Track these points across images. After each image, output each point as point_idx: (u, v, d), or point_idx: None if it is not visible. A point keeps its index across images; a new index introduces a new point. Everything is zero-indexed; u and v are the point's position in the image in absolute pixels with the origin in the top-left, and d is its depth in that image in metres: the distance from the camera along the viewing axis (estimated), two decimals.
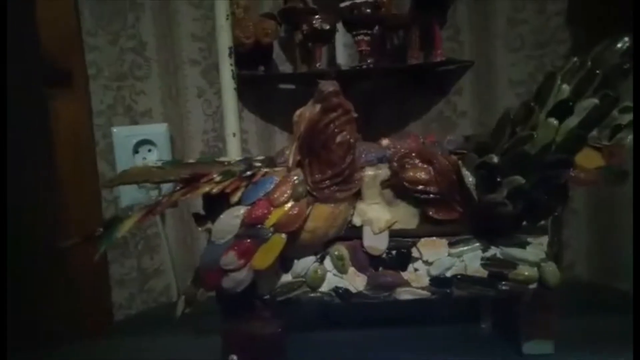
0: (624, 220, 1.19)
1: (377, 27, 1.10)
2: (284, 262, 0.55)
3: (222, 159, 0.59)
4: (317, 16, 1.05)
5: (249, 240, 0.49)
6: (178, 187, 0.52)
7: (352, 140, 0.49)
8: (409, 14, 1.08)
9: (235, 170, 0.52)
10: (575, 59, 0.43)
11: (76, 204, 1.13)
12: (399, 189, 0.53)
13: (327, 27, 1.04)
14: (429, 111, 1.23)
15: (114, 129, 1.23)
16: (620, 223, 1.19)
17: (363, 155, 0.55)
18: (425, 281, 0.55)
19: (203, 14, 1.20)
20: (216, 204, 0.51)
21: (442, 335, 0.64)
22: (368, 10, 1.03)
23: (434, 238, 0.55)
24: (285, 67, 1.20)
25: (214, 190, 0.49)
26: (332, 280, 0.56)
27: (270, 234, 0.49)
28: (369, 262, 0.55)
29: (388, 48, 1.20)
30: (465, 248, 0.54)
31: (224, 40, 1.14)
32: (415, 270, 0.55)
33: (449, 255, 0.55)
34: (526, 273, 0.54)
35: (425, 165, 0.52)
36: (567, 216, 1.20)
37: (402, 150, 0.53)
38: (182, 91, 1.26)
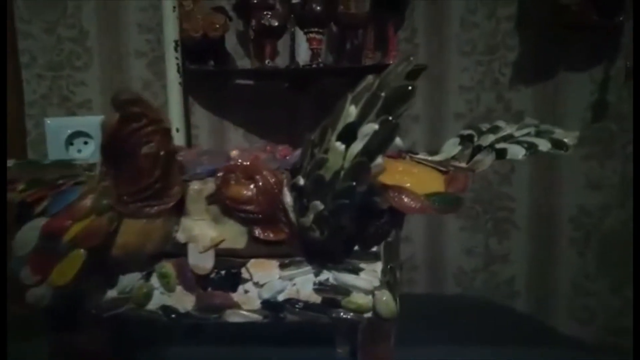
0: (564, 233, 1.15)
1: (334, 26, 1.08)
2: (109, 277, 0.52)
3: (79, 161, 0.55)
4: (266, 12, 1.01)
5: (46, 255, 0.46)
6: None
7: (161, 152, 0.45)
8: (366, 13, 1.04)
9: (45, 179, 0.49)
10: (369, 77, 0.38)
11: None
12: (224, 205, 0.49)
13: (276, 23, 1.01)
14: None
15: (47, 120, 1.20)
16: (560, 236, 1.16)
17: (196, 168, 0.51)
18: (257, 304, 0.52)
19: (151, 4, 1.16)
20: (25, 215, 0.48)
21: (298, 358, 0.61)
22: (319, 8, 0.99)
23: (264, 259, 0.51)
24: (244, 63, 1.16)
25: (15, 200, 0.46)
26: (158, 298, 0.53)
27: (68, 249, 0.45)
28: (197, 282, 0.52)
29: (347, 48, 1.16)
30: (297, 271, 0.51)
31: (170, 32, 1.12)
32: (246, 292, 0.52)
33: (280, 277, 0.51)
34: (359, 301, 0.50)
35: (248, 182, 0.48)
36: (506, 228, 1.17)
37: (234, 163, 0.49)
38: (125, 83, 1.23)
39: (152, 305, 0.53)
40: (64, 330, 0.54)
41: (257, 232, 0.49)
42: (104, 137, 0.44)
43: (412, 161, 0.53)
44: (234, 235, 0.51)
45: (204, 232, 0.50)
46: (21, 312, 0.48)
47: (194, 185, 0.50)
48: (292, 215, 0.46)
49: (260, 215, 0.48)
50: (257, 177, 0.47)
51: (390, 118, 0.36)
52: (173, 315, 0.53)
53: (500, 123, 0.56)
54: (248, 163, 0.48)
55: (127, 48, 1.22)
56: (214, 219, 0.51)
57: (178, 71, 1.13)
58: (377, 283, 0.50)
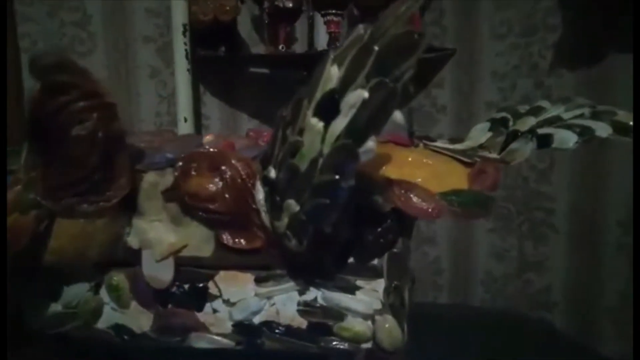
0: (610, 237, 1.01)
1: (354, 8, 0.99)
2: (51, 287, 0.43)
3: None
4: None
5: None
6: None
7: (99, 134, 0.35)
8: None
9: None
10: (359, 26, 0.27)
11: None
12: (184, 203, 0.39)
13: (290, 4, 0.95)
14: (407, 103, 1.10)
15: None
16: (606, 241, 1.02)
17: (154, 156, 0.41)
18: (228, 327, 0.42)
19: None
20: None
21: None
22: None
23: (236, 271, 0.41)
24: (258, 49, 1.09)
25: None
26: (110, 315, 0.43)
27: None
28: (155, 297, 0.42)
29: None
30: (276, 287, 0.40)
31: (178, 16, 1.06)
32: (215, 311, 0.42)
33: (256, 295, 0.41)
34: (356, 328, 0.40)
35: (212, 174, 0.37)
36: (542, 231, 1.04)
37: (196, 150, 0.39)
38: (132, 70, 1.17)
39: (103, 323, 0.43)
40: (10, 347, 0.45)
41: (225, 237, 0.39)
42: (28, 112, 0.34)
43: (427, 149, 0.41)
44: (198, 241, 0.40)
45: (160, 236, 0.40)
46: None
47: (149, 178, 0.40)
48: (264, 217, 0.35)
49: (227, 216, 0.37)
50: (224, 167, 0.37)
51: (387, 81, 0.25)
52: (126, 337, 0.43)
53: (544, 103, 0.44)
54: (215, 150, 0.38)
55: (134, 33, 1.16)
56: (173, 220, 0.40)
57: (187, 57, 1.07)
58: (378, 305, 0.39)
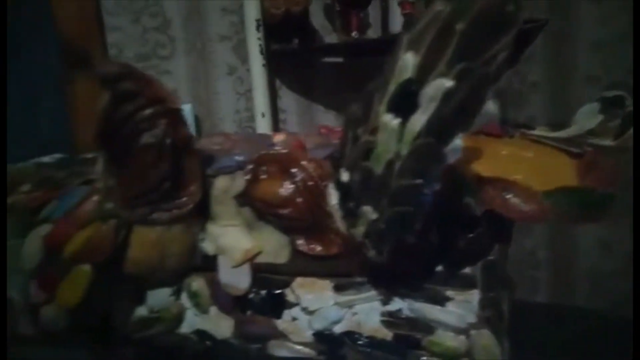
0: None
1: None
2: (136, 291, 0.44)
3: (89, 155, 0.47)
4: None
5: (50, 270, 0.38)
6: None
7: (167, 141, 0.34)
8: None
9: (53, 178, 0.41)
10: (437, 2, 0.22)
11: None
12: (256, 208, 0.37)
13: None
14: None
15: None
16: None
17: (223, 159, 0.40)
18: (308, 336, 0.40)
19: None
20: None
21: None
22: None
23: (314, 278, 0.38)
24: (332, 39, 1.08)
25: (18, 205, 0.39)
26: (192, 321, 0.43)
27: (71, 265, 0.37)
28: (234, 302, 0.41)
29: None
30: (357, 297, 0.37)
31: (251, 12, 1.08)
32: (294, 319, 0.40)
33: (336, 304, 0.38)
34: (447, 343, 0.35)
35: (283, 177, 0.35)
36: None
37: (266, 152, 0.37)
38: (210, 70, 1.20)
39: (185, 328, 0.43)
40: (95, 352, 0.47)
41: (300, 244, 0.36)
42: (97, 122, 0.34)
43: (525, 139, 0.35)
44: (273, 247, 0.38)
45: (235, 242, 0.39)
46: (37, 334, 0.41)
47: (220, 183, 0.39)
48: (340, 223, 0.32)
49: (301, 222, 0.35)
50: (295, 170, 0.34)
51: (475, 66, 0.20)
52: (209, 343, 0.42)
53: None
54: (285, 151, 0.35)
55: (210, 33, 1.19)
56: (247, 225, 0.39)
57: (261, 52, 1.08)
58: (472, 319, 0.34)
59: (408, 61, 0.23)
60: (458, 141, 0.22)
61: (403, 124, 0.23)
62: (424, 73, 0.22)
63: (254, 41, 1.06)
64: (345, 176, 0.29)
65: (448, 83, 0.21)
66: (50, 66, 1.14)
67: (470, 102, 0.21)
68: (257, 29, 1.06)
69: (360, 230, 0.29)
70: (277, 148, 0.40)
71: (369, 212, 0.27)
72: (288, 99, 1.17)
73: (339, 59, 1.12)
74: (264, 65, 1.06)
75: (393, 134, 0.24)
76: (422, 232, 0.27)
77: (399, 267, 0.31)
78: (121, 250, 0.38)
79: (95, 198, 0.37)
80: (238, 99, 1.20)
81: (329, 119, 1.15)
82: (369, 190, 0.26)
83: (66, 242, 0.37)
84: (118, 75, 0.32)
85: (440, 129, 0.22)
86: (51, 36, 1.13)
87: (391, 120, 0.23)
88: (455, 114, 0.22)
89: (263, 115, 1.09)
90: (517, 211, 0.28)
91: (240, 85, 1.20)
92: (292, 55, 1.08)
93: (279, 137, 0.43)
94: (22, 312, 0.42)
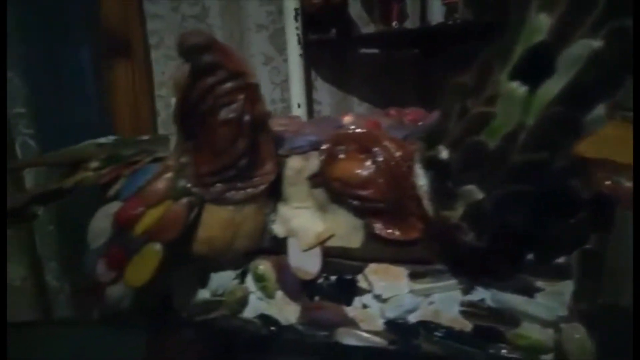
0: None
1: None
2: (199, 273, 0.43)
3: (144, 137, 0.47)
4: None
5: (119, 249, 0.37)
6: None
7: (246, 117, 0.33)
8: None
9: (121, 155, 0.40)
10: None
11: None
12: (331, 189, 0.36)
13: None
14: None
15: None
16: None
17: (296, 140, 0.38)
18: (379, 324, 0.38)
19: None
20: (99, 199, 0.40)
21: None
22: None
23: (388, 265, 0.37)
24: (369, 29, 1.07)
25: (87, 181, 0.38)
26: (256, 305, 0.42)
27: (141, 243, 0.36)
28: (301, 288, 0.39)
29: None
30: (435, 285, 0.36)
31: (290, 1, 1.06)
32: (365, 306, 0.38)
33: (411, 292, 0.36)
34: (534, 336, 0.33)
35: (363, 157, 0.33)
36: None
37: (344, 131, 0.35)
38: (247, 59, 1.19)
39: (249, 312, 0.42)
40: (157, 333, 0.46)
41: (378, 227, 0.34)
42: (177, 97, 0.33)
43: (626, 122, 0.33)
44: (346, 230, 0.37)
45: (306, 225, 0.37)
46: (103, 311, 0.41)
47: (293, 163, 0.37)
48: (427, 205, 0.30)
49: (381, 204, 0.33)
50: (376, 149, 0.32)
51: (630, 24, 0.18)
52: (273, 328, 0.41)
53: None
54: (364, 130, 0.34)
55: (248, 22, 1.17)
56: (319, 208, 0.37)
57: (299, 42, 1.06)
58: (563, 312, 0.32)
59: (541, 22, 0.21)
60: (600, 111, 0.20)
61: (531, 92, 0.21)
62: (561, 35, 0.20)
63: (292, 31, 1.04)
64: (444, 153, 0.27)
65: (596, 44, 0.19)
66: (91, 53, 1.15)
67: (620, 65, 0.19)
68: (296, 18, 1.05)
69: (457, 212, 0.27)
70: (352, 128, 0.38)
71: (474, 191, 0.25)
72: (323, 90, 1.15)
73: (375, 50, 1.10)
74: (300, 55, 1.05)
75: (518, 103, 0.22)
76: (529, 215, 0.25)
77: (490, 253, 0.29)
78: (190, 230, 0.37)
79: (167, 176, 0.36)
80: (274, 89, 1.18)
81: (363, 111, 1.13)
82: (477, 167, 0.25)
83: (137, 220, 0.36)
84: (202, 47, 0.31)
85: (580, 96, 0.20)
86: (94, 23, 1.14)
87: (518, 88, 0.21)
88: (600, 79, 0.19)
89: (299, 106, 1.07)
90: (629, 196, 0.26)
91: (277, 75, 1.18)
92: (330, 46, 1.06)
93: (348, 119, 0.42)
94: (80, 293, 0.42)
